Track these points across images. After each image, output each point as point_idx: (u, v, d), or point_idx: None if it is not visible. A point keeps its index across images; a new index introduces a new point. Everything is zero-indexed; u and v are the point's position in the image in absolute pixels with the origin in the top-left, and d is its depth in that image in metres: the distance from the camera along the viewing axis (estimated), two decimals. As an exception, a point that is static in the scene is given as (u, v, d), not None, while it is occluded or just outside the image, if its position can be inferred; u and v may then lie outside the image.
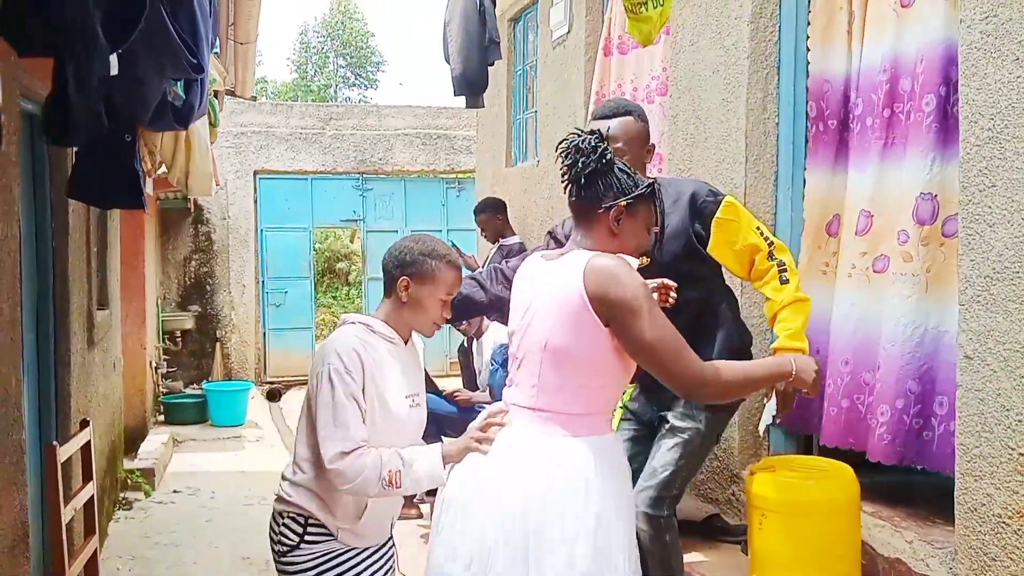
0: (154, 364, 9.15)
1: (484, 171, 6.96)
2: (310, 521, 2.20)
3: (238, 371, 10.71)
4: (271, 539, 2.27)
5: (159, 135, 3.38)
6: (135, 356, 8.24)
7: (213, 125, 3.65)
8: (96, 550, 3.14)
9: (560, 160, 2.08)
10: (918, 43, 2.72)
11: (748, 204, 3.44)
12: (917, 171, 2.74)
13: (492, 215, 5.68)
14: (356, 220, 11.61)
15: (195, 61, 1.80)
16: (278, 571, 2.27)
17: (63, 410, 4.10)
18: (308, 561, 2.21)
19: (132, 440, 7.60)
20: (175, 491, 6.59)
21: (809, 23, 3.20)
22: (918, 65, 2.72)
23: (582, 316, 1.94)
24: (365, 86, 32.35)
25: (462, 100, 5.38)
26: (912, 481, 3.11)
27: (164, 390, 9.36)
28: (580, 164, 2.02)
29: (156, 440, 7.59)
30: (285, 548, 2.22)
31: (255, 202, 11.12)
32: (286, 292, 11.04)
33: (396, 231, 11.55)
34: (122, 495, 6.25)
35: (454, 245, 5.59)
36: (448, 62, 5.06)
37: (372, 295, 11.59)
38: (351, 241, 17.41)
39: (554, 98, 5.39)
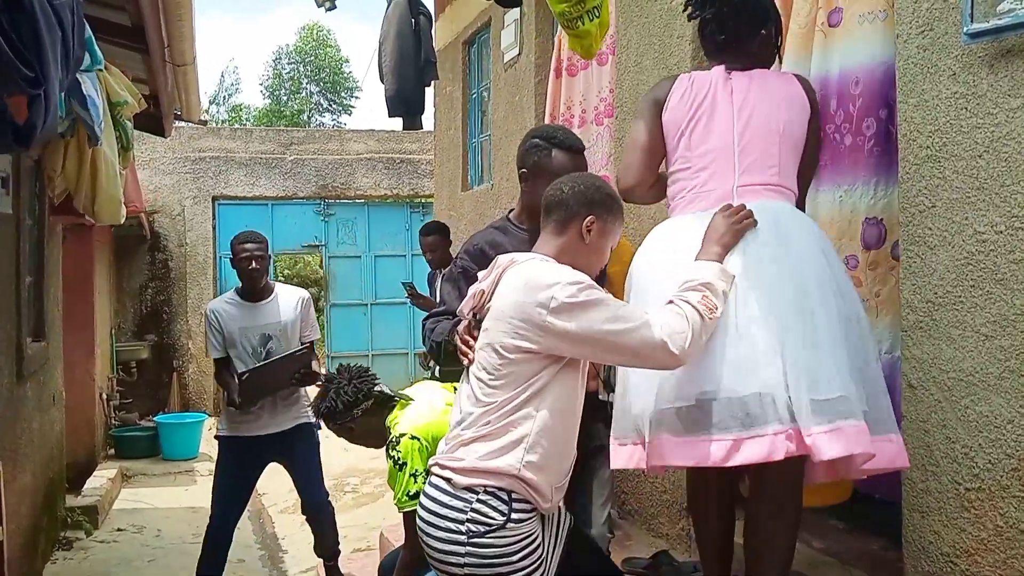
0: (105, 396, 8.88)
1: (441, 195, 6.84)
2: (513, 496, 1.96)
3: (196, 402, 10.43)
4: (446, 519, 1.97)
5: (60, 157, 3.21)
6: (83, 388, 7.98)
7: (126, 148, 3.49)
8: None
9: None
10: (853, 63, 2.63)
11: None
12: (862, 196, 2.66)
13: (444, 239, 5.36)
14: (318, 246, 11.42)
15: (31, 75, 1.66)
16: (462, 558, 1.96)
17: (-14, 448, 3.89)
18: (513, 543, 1.96)
19: (80, 475, 7.33)
20: (119, 529, 6.33)
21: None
22: (853, 87, 2.63)
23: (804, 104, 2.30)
24: (339, 112, 32.26)
25: (427, 125, 5.23)
26: (871, 512, 2.99)
27: (117, 422, 9.07)
28: None
29: (103, 476, 7.32)
30: (485, 528, 1.94)
31: (214, 228, 10.90)
32: (246, 320, 10.80)
33: (359, 256, 11.39)
34: (63, 534, 5.99)
35: (411, 284, 5.50)
36: (382, 82, 4.92)
37: (335, 321, 11.40)
38: (320, 266, 17.22)
39: (506, 121, 5.29)
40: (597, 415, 2.57)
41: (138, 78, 5.10)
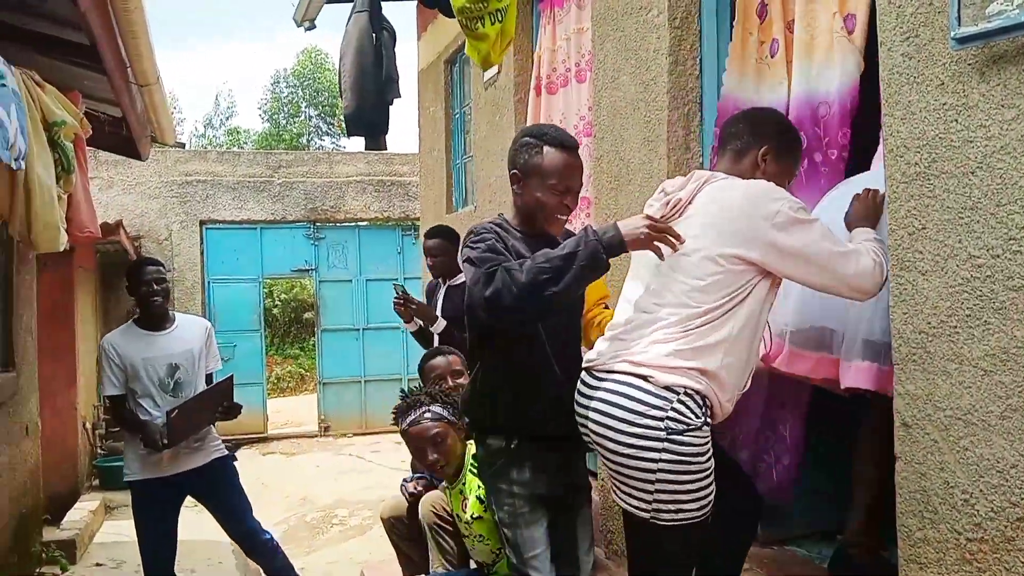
0: (89, 425, 8.69)
1: (427, 217, 6.67)
2: (706, 401, 2.09)
3: (185, 430, 10.24)
4: (644, 415, 2.04)
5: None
6: (64, 418, 7.81)
7: (67, 171, 3.32)
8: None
9: None
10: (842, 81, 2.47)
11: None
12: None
13: (449, 244, 4.63)
14: (308, 270, 11.27)
15: None
16: (657, 454, 2.03)
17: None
18: (703, 445, 2.07)
19: (62, 507, 7.13)
20: (98, 564, 6.12)
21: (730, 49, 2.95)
22: (830, 107, 2.48)
23: None
24: (338, 135, 32.23)
25: (414, 146, 5.01)
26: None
27: (103, 452, 8.88)
28: None
29: (84, 508, 7.11)
30: (683, 427, 2.04)
31: (202, 253, 10.77)
32: (235, 346, 10.61)
33: (350, 280, 11.23)
34: (38, 570, 5.78)
35: (403, 287, 4.98)
36: (341, 99, 4.73)
37: (326, 345, 11.21)
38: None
39: (487, 141, 5.14)
40: (580, 451, 2.44)
41: (109, 99, 4.97)
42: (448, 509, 3.27)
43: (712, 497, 2.12)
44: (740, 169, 2.24)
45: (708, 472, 2.09)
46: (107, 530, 7.09)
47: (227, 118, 30.57)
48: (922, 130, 1.97)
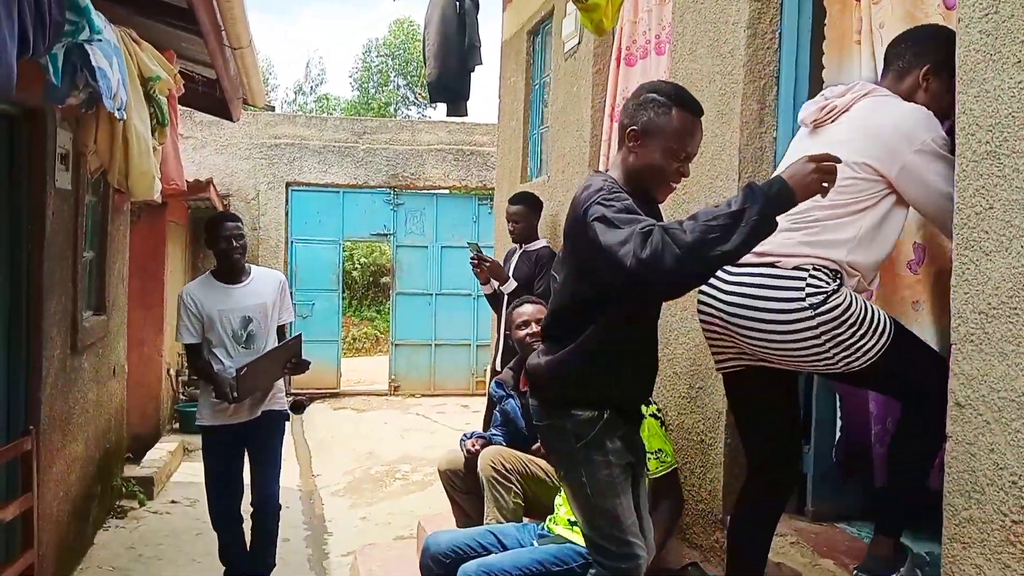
0: (173, 372, 9.11)
1: (502, 187, 6.74)
2: (838, 273, 2.21)
3: (262, 381, 10.63)
4: (784, 300, 2.16)
5: (91, 131, 3.23)
6: (150, 363, 8.22)
7: (161, 124, 3.50)
8: (33, 563, 2.97)
9: None
10: None
11: (741, 225, 3.16)
12: None
13: (530, 210, 4.90)
14: (387, 235, 11.51)
15: None
16: (813, 330, 2.16)
17: (32, 416, 3.97)
18: (849, 298, 2.19)
19: (144, 447, 7.54)
20: (173, 501, 6.48)
21: (826, 28, 2.91)
22: None
23: None
24: (424, 105, 32.54)
25: (495, 116, 5.07)
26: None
27: (185, 397, 9.31)
28: None
29: (163, 448, 7.52)
30: (824, 294, 2.16)
31: (286, 214, 11.11)
32: (313, 304, 10.96)
33: (426, 246, 11.42)
34: (119, 503, 6.15)
35: (478, 246, 5.14)
36: (425, 67, 4.81)
37: (400, 308, 11.45)
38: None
39: (564, 112, 5.16)
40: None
41: (204, 61, 5.18)
42: (507, 465, 3.37)
43: (885, 318, 2.24)
44: (902, 89, 2.31)
45: (867, 313, 2.20)
46: (184, 470, 7.48)
47: (317, 85, 31.13)
48: (995, 108, 1.94)
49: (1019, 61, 1.88)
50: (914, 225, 2.55)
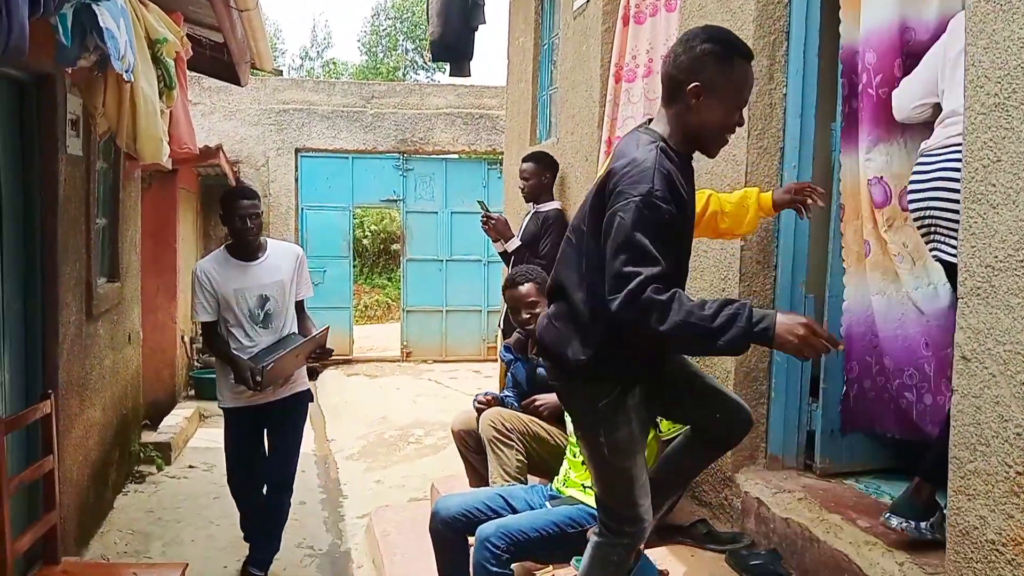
0: (188, 339, 9.20)
1: (511, 149, 6.72)
2: None
3: (276, 348, 10.72)
4: None
5: (100, 94, 3.24)
6: (164, 330, 8.29)
7: (169, 87, 3.50)
8: (56, 524, 3.03)
9: None
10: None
11: (750, 181, 3.15)
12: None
13: (541, 168, 4.88)
14: (396, 200, 11.49)
15: None
16: None
17: (50, 380, 4.03)
18: None
19: (161, 413, 7.64)
20: (190, 466, 6.57)
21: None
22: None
23: None
24: (432, 70, 32.28)
25: (503, 79, 4.99)
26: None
27: (199, 364, 9.41)
28: None
29: (180, 414, 7.60)
30: None
31: (296, 180, 11.11)
32: (324, 271, 10.98)
33: (436, 212, 11.41)
34: (137, 468, 6.25)
35: (481, 203, 5.16)
36: (428, 25, 4.78)
37: (411, 274, 11.48)
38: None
39: (573, 73, 5.13)
40: None
41: (212, 25, 5.16)
42: (507, 424, 3.40)
43: None
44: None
45: None
46: (200, 436, 7.57)
47: (323, 49, 30.94)
48: (1004, 59, 1.92)
49: (1029, 11, 1.86)
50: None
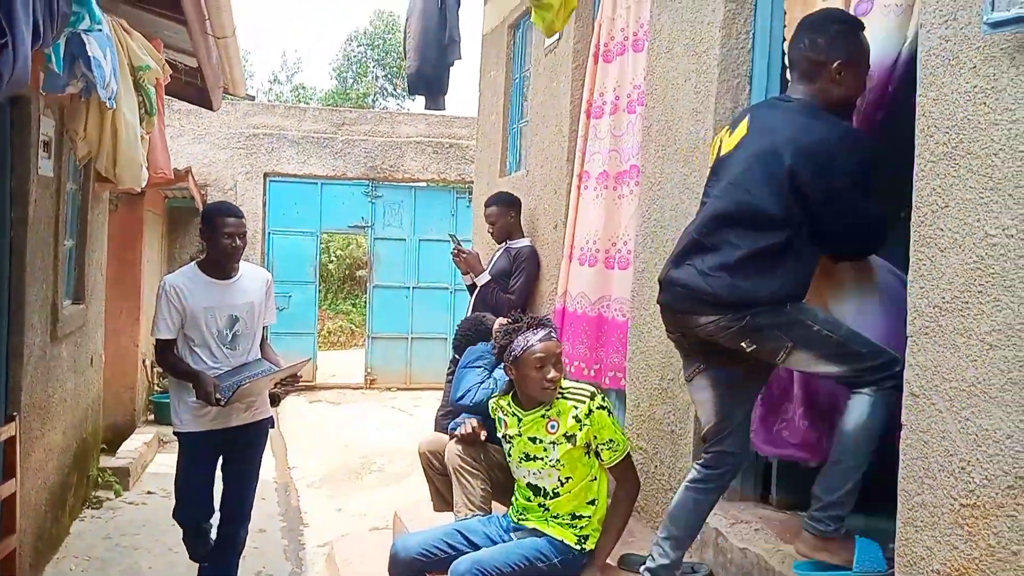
0: (149, 362, 9.10)
1: (480, 180, 6.81)
2: None
3: (239, 373, 10.63)
4: None
5: (82, 119, 3.26)
6: (126, 353, 8.20)
7: (149, 113, 3.52)
8: (15, 548, 3.00)
9: None
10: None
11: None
12: None
13: (505, 209, 5.00)
14: (364, 227, 11.53)
15: None
16: None
17: (14, 402, 3.99)
18: None
19: (120, 437, 7.54)
20: (149, 492, 6.49)
21: (785, 30, 3.01)
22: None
23: None
24: (403, 97, 32.43)
25: (474, 109, 5.12)
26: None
27: (160, 389, 9.30)
28: None
29: (139, 439, 7.52)
30: None
31: (264, 204, 11.10)
32: (290, 296, 10.96)
33: (404, 239, 11.46)
34: (94, 493, 6.16)
35: (453, 236, 5.23)
36: (405, 59, 4.89)
37: (377, 301, 11.48)
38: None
39: (543, 107, 5.23)
40: None
41: (186, 49, 5.19)
42: (473, 454, 3.43)
43: None
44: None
45: None
46: (159, 461, 7.48)
47: (293, 74, 30.95)
48: (952, 112, 2.04)
49: (975, 67, 1.98)
50: None
